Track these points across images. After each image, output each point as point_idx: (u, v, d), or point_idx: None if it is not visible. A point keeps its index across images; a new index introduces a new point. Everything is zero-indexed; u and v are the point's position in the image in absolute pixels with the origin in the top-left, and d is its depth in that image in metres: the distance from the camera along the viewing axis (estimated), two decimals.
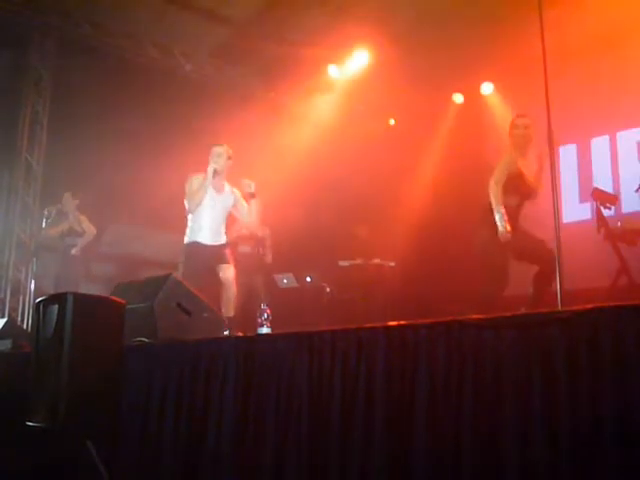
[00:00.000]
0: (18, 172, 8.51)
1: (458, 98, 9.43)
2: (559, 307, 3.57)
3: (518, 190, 5.17)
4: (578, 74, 7.83)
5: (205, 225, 5.75)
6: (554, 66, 4.19)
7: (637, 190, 7.14)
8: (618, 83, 7.59)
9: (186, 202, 5.78)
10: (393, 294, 7.98)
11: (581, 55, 7.75)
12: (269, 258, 8.04)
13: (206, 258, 5.67)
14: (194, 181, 5.73)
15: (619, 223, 5.83)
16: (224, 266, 5.67)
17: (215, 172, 5.67)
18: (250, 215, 5.88)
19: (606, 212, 5.95)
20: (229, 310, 5.62)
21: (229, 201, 5.85)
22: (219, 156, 5.72)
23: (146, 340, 4.32)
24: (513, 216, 5.09)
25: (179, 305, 4.64)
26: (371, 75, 9.04)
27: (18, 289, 8.41)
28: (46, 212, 7.84)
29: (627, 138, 7.82)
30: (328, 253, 8.49)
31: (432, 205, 8.73)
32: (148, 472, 3.64)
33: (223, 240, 5.84)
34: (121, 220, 9.33)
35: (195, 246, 5.71)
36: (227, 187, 5.87)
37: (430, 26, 8.01)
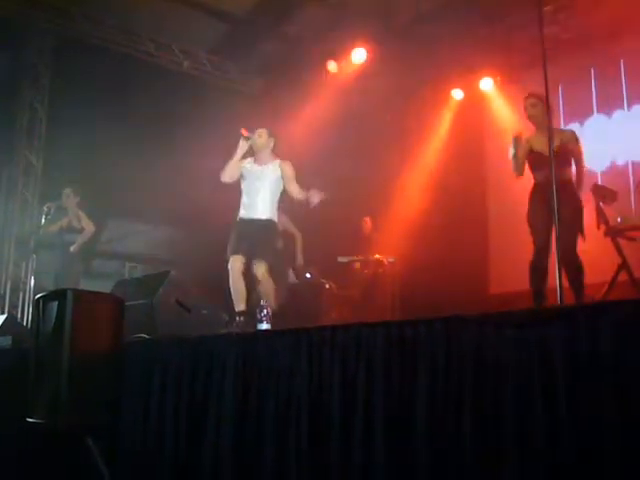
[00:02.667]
0: (17, 169, 8.52)
1: (457, 94, 9.41)
2: (559, 303, 3.57)
3: (536, 167, 5.39)
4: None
5: (244, 199, 5.71)
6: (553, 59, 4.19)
7: (637, 186, 7.15)
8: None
9: None
10: (393, 290, 7.97)
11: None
12: (300, 259, 7.98)
13: (239, 232, 5.59)
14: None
15: (619, 219, 5.81)
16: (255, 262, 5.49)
17: (248, 145, 5.70)
18: (299, 194, 5.63)
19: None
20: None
21: (271, 175, 5.68)
22: (259, 135, 5.75)
23: (146, 336, 4.32)
24: (539, 190, 5.34)
25: (178, 302, 4.65)
26: (370, 71, 9.02)
27: (18, 285, 8.43)
28: (45, 209, 7.82)
29: None
30: (327, 249, 8.48)
31: (432, 200, 8.73)
32: (148, 468, 3.64)
33: (263, 215, 5.63)
34: (121, 217, 9.32)
35: (235, 224, 5.66)
36: (274, 162, 5.72)
37: (429, 22, 8.01)
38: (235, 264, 5.47)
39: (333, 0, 8.17)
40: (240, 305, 5.40)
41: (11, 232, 8.42)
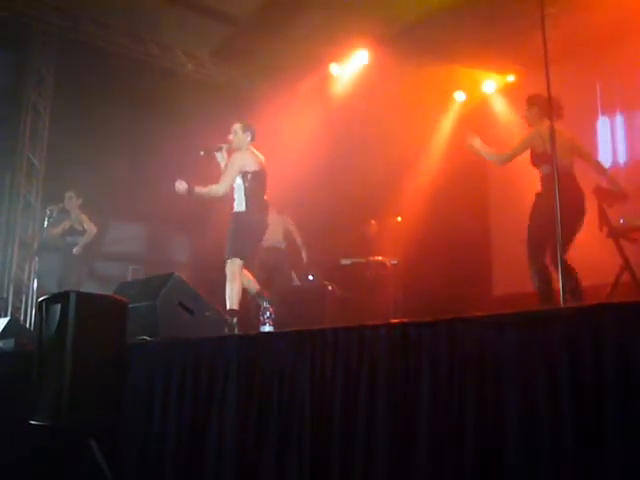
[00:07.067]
0: (20, 171, 8.53)
1: (460, 96, 9.42)
2: (562, 304, 3.56)
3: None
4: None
5: None
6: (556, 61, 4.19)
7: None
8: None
9: None
10: (395, 292, 7.97)
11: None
12: (305, 257, 8.19)
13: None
14: None
15: (622, 220, 5.80)
16: None
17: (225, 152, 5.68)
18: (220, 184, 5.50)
19: None
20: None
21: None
22: (234, 133, 5.63)
23: (149, 338, 4.32)
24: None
25: (181, 304, 4.65)
26: (372, 72, 9.03)
27: (21, 288, 8.43)
28: (48, 211, 7.84)
29: None
30: (330, 251, 8.48)
31: (434, 202, 8.72)
32: (151, 470, 3.64)
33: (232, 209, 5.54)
34: (123, 219, 9.33)
35: None
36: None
37: (431, 23, 8.01)
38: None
39: (335, 2, 8.17)
40: (236, 304, 5.28)
41: (14, 235, 8.43)
